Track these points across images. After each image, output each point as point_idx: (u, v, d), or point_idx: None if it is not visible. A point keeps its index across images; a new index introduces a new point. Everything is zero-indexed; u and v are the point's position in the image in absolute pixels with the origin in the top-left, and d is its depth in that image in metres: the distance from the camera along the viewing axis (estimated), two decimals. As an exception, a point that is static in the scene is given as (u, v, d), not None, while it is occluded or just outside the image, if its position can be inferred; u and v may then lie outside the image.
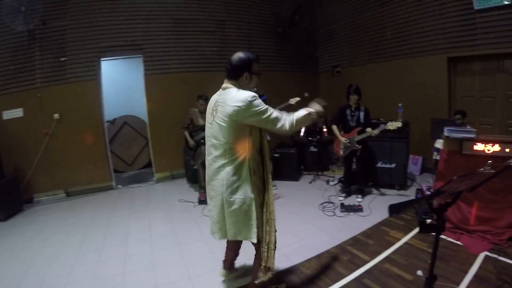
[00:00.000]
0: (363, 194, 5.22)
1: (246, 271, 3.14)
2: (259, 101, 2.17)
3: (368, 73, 7.53)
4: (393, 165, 5.43)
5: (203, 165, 5.41)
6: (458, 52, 5.69)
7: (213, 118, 2.29)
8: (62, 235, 4.32)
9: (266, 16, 8.08)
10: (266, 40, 8.16)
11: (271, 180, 2.40)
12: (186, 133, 5.57)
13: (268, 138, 2.72)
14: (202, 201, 5.20)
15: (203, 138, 5.34)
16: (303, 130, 7.05)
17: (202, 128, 5.43)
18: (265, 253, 2.31)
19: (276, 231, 2.36)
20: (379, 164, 5.54)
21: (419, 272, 2.53)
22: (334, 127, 5.08)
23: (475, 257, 3.23)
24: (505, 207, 3.65)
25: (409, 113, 5.89)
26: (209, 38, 7.26)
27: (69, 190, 6.13)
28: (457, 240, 3.59)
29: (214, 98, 2.39)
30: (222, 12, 7.39)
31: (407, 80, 6.62)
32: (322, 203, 4.98)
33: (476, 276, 2.90)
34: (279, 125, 2.23)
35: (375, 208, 4.70)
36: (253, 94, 2.18)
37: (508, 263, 3.09)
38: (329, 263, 3.30)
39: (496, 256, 3.20)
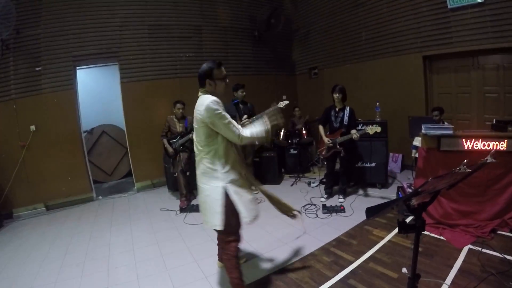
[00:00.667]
0: (345, 194, 5.24)
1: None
2: (218, 106, 2.36)
3: (345, 74, 7.62)
4: (373, 164, 5.49)
5: (182, 172, 5.37)
6: (433, 50, 5.82)
7: (195, 123, 2.53)
8: (44, 250, 4.17)
9: (242, 20, 8.10)
10: (243, 44, 8.17)
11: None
12: (165, 141, 5.50)
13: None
14: (184, 209, 5.16)
15: (182, 145, 5.30)
16: (282, 133, 7.05)
17: (180, 135, 5.38)
18: None
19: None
20: (360, 164, 5.59)
21: (404, 270, 2.53)
22: (320, 128, 5.07)
23: (459, 251, 3.27)
24: (485, 200, 3.73)
25: (387, 112, 6.00)
26: (186, 43, 7.23)
27: (49, 203, 5.96)
28: (440, 235, 3.62)
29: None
30: (198, 17, 7.37)
31: (384, 80, 6.73)
32: (304, 205, 4.98)
33: (461, 269, 2.92)
34: (236, 132, 2.43)
35: (357, 208, 4.72)
36: (214, 99, 2.38)
37: (492, 255, 3.13)
38: (314, 265, 3.28)
39: (479, 248, 3.24)
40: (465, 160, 1.63)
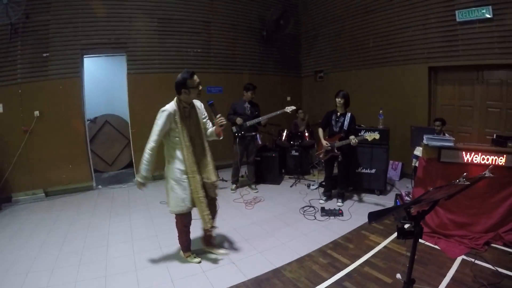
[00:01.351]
0: (343, 198, 5.29)
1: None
2: (160, 115, 3.00)
3: (350, 80, 7.67)
4: (373, 171, 5.53)
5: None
6: (439, 62, 5.87)
7: None
8: (42, 236, 4.20)
9: (251, 19, 8.15)
10: (251, 43, 8.22)
11: (196, 171, 3.14)
12: None
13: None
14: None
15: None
16: (284, 134, 7.10)
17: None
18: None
19: (209, 213, 3.21)
20: (360, 170, 5.63)
21: (398, 276, 2.59)
22: (320, 131, 5.13)
23: (452, 260, 3.33)
24: (481, 212, 3.79)
25: (390, 119, 6.04)
26: (194, 39, 7.27)
27: (49, 189, 5.98)
28: (435, 244, 3.68)
29: None
30: (207, 13, 7.41)
31: (388, 88, 6.78)
32: (303, 207, 5.02)
33: (453, 279, 2.98)
34: (150, 139, 3.05)
35: (355, 212, 4.78)
36: (163, 108, 3.03)
37: (484, 266, 3.19)
38: (310, 266, 3.33)
39: (472, 260, 3.30)
40: (465, 173, 1.69)
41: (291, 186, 6.24)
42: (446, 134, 4.79)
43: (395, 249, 3.63)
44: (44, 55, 5.85)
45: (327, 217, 4.63)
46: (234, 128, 5.67)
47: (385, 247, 3.71)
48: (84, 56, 6.28)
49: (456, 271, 3.13)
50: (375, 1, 6.91)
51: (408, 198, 4.58)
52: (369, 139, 4.61)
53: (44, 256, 3.65)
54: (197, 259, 3.43)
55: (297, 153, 6.79)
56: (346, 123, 4.92)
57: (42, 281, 3.12)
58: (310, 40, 8.95)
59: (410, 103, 6.35)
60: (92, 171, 6.53)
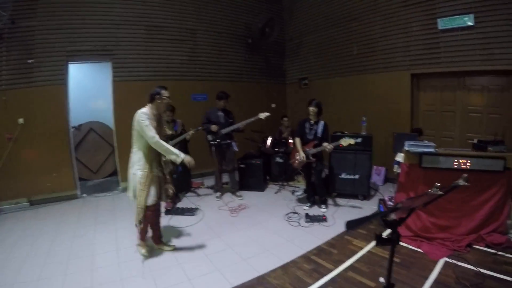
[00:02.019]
0: (326, 204, 5.34)
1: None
2: (144, 117, 3.45)
3: (334, 86, 7.77)
4: (356, 176, 5.59)
5: (170, 174, 5.41)
6: (421, 69, 6.00)
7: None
8: (26, 247, 4.13)
9: (237, 27, 8.21)
10: (236, 50, 8.28)
11: (152, 169, 3.61)
12: None
13: (236, 149, 4.09)
14: (169, 211, 5.18)
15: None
16: (269, 141, 7.16)
17: (170, 137, 5.39)
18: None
19: (142, 207, 3.55)
20: (343, 175, 5.69)
21: (381, 279, 2.63)
22: (297, 140, 5.18)
23: (435, 263, 3.38)
24: (462, 215, 3.88)
25: (373, 126, 6.13)
26: (180, 46, 7.29)
27: (33, 198, 5.89)
28: (418, 248, 3.74)
29: None
30: (193, 21, 7.46)
31: (372, 95, 6.88)
32: (287, 214, 5.05)
33: (436, 281, 3.03)
34: (150, 134, 3.42)
35: (339, 218, 4.81)
36: (143, 111, 3.52)
37: (466, 268, 3.25)
38: (294, 272, 3.35)
39: (455, 261, 3.36)
40: (437, 184, 1.74)
41: (275, 193, 6.26)
42: (425, 141, 4.89)
43: (378, 253, 3.67)
44: (29, 61, 5.79)
45: (311, 223, 4.65)
46: (209, 137, 5.70)
47: (368, 251, 3.74)
48: (69, 62, 6.23)
49: (439, 273, 3.18)
50: (358, 9, 7.03)
51: (390, 203, 4.64)
52: (345, 145, 4.69)
53: (28, 267, 3.59)
54: (144, 251, 3.78)
55: (281, 160, 6.82)
56: (319, 130, 5.03)
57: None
58: (295, 47, 9.04)
59: (393, 109, 6.45)
60: (77, 179, 6.46)
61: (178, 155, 3.45)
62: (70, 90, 6.34)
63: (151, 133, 3.41)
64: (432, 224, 3.94)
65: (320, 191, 5.29)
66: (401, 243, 3.83)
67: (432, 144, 4.04)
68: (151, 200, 3.58)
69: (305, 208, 5.26)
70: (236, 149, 5.86)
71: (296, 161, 5.14)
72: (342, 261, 3.53)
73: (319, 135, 5.02)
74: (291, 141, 7.10)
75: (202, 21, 7.58)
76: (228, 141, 5.76)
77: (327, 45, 7.97)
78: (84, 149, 7.51)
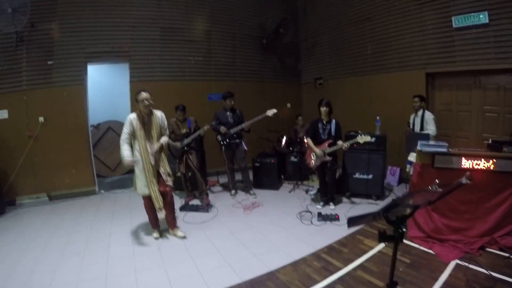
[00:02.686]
0: (334, 202, 5.36)
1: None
2: (128, 121, 3.98)
3: (349, 86, 7.75)
4: (370, 176, 5.55)
5: (190, 170, 5.53)
6: (436, 68, 5.92)
7: None
8: (45, 238, 4.31)
9: (251, 28, 8.27)
10: (251, 51, 8.34)
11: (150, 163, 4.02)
12: (170, 141, 5.58)
13: (245, 148, 3.65)
14: (183, 208, 5.30)
15: (187, 145, 5.41)
16: (284, 140, 7.20)
17: (185, 135, 5.49)
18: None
19: (158, 196, 4.03)
20: (357, 175, 5.66)
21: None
22: (309, 140, 5.21)
23: (446, 265, 3.34)
24: (476, 217, 3.81)
25: (387, 125, 6.08)
26: (195, 47, 7.40)
27: (52, 193, 6.11)
28: (429, 249, 3.70)
29: None
30: (208, 22, 7.56)
31: (386, 94, 6.83)
32: (300, 212, 5.08)
33: (446, 283, 3.00)
34: (121, 137, 4.02)
35: (351, 217, 4.81)
36: (129, 116, 4.00)
37: (478, 271, 3.20)
38: (304, 269, 3.39)
39: (466, 264, 3.31)
40: (437, 181, 1.74)
41: (289, 192, 6.28)
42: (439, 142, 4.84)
43: (389, 253, 3.63)
44: (49, 63, 6.00)
45: (323, 222, 4.67)
46: (219, 137, 5.80)
47: (379, 251, 3.74)
48: (88, 63, 6.40)
49: (449, 275, 3.14)
50: (372, 8, 6.99)
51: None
52: (361, 142, 4.72)
53: (47, 257, 3.76)
54: (156, 235, 4.26)
55: (296, 159, 6.83)
56: (333, 129, 5.07)
57: (45, 281, 3.22)
58: (309, 47, 9.04)
59: (407, 109, 6.34)
60: (95, 176, 6.65)
61: (123, 157, 3.92)
62: (89, 90, 6.52)
63: (122, 136, 3.99)
64: (445, 225, 3.89)
65: (331, 189, 5.31)
66: (413, 244, 3.82)
67: (445, 144, 3.99)
68: (142, 191, 4.07)
69: (318, 207, 5.29)
70: (245, 148, 5.94)
71: (312, 161, 5.17)
72: (352, 260, 3.54)
73: (333, 133, 5.06)
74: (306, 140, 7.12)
75: (216, 22, 7.67)
76: (237, 140, 5.84)
77: (341, 45, 7.95)
78: (103, 147, 7.70)
